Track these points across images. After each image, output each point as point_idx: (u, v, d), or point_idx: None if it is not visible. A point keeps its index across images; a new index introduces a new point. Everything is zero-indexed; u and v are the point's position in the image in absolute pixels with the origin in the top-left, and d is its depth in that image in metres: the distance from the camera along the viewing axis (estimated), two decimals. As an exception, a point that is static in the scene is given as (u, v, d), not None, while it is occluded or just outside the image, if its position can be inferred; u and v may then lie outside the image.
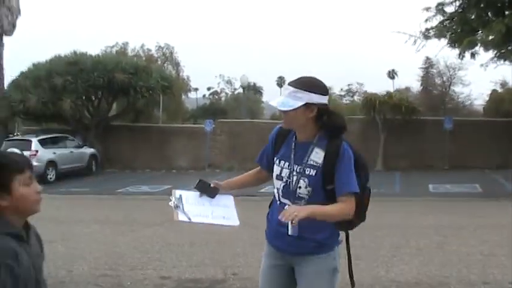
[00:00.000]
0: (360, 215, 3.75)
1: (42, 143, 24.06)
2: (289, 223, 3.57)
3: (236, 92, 77.66)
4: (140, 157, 28.14)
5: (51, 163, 23.84)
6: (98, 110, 28.37)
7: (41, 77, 26.23)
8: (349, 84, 75.57)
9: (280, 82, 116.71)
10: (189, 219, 3.77)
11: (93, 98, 28.25)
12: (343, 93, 74.51)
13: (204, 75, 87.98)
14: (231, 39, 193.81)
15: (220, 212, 3.91)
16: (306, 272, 3.78)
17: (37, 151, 23.45)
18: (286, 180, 3.70)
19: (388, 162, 25.54)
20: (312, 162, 3.63)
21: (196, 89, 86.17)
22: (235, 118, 38.92)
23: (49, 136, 25.23)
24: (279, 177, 3.74)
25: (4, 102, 27.75)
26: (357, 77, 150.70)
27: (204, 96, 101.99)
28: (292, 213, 3.34)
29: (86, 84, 25.92)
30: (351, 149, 3.68)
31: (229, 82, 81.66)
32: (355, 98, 66.42)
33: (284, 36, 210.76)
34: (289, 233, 3.58)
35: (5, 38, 30.42)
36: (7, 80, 29.75)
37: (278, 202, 3.80)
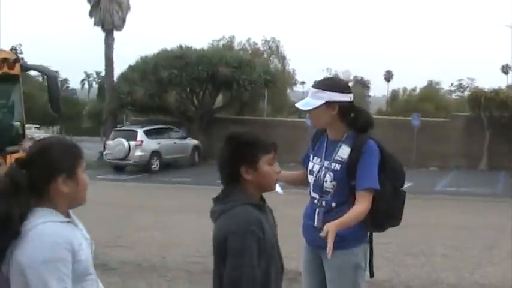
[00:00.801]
0: (391, 216, 3.82)
1: (148, 133, 24.89)
2: (316, 215, 3.83)
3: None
4: (242, 149, 28.41)
5: (155, 153, 24.62)
6: (202, 102, 28.97)
7: (148, 70, 27.17)
8: (459, 80, 73.35)
9: (388, 76, 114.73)
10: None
11: (198, 91, 28.86)
12: (453, 88, 72.49)
13: (311, 68, 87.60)
14: (340, 33, 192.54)
15: None
16: (328, 266, 3.88)
17: (142, 141, 24.28)
18: (316, 175, 3.86)
19: (493, 161, 24.50)
20: (338, 158, 3.76)
21: (303, 82, 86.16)
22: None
23: (154, 127, 26.08)
24: (311, 172, 3.91)
25: (113, 94, 28.99)
26: (469, 72, 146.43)
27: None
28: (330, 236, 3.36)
29: (191, 78, 26.57)
30: (379, 147, 3.74)
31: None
32: (465, 93, 64.45)
33: (391, 30, 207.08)
34: (315, 224, 3.82)
35: (115, 33, 31.78)
36: (116, 73, 31.04)
37: (310, 196, 3.97)
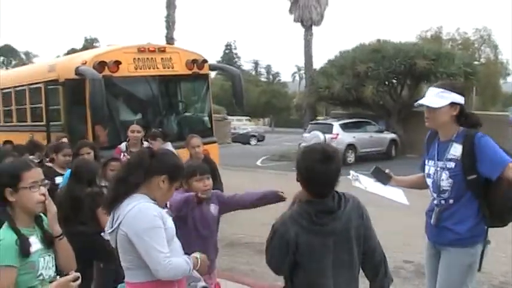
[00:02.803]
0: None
1: (343, 127, 25.31)
2: (434, 214, 4.00)
3: None
4: (441, 143, 27.72)
5: (350, 146, 24.95)
6: (400, 96, 28.76)
7: (345, 64, 27.65)
8: None
9: None
10: (365, 187, 4.30)
11: (395, 84, 28.70)
12: None
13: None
14: None
15: (391, 192, 4.37)
16: (442, 263, 4.06)
17: (337, 134, 24.76)
18: (433, 177, 4.06)
19: None
20: (451, 156, 3.92)
21: (508, 74, 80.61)
22: None
23: (350, 121, 26.46)
24: (428, 175, 4.12)
25: (312, 88, 29.87)
26: None
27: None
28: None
29: (388, 71, 26.50)
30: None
31: None
32: None
33: None
34: (432, 222, 4.06)
35: (314, 28, 32.61)
36: (317, 67, 31.90)
37: (431, 198, 4.18)
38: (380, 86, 27.31)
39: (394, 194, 4.38)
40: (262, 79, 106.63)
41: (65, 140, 8.03)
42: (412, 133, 28.17)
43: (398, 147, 27.65)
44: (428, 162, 4.15)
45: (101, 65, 10.10)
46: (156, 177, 3.37)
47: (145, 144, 8.47)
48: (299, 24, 32.40)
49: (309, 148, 3.24)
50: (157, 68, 11.11)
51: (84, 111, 9.98)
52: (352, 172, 4.44)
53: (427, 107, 3.96)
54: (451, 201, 3.99)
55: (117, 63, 10.27)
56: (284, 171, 22.06)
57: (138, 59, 10.84)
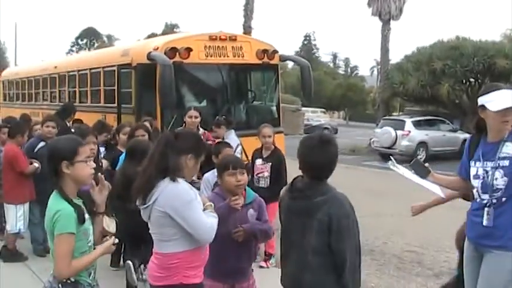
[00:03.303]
0: None
1: (416, 124, 24.91)
2: (485, 214, 3.88)
3: None
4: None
5: (422, 144, 24.52)
6: (477, 95, 27.98)
7: (422, 60, 27.17)
8: None
9: None
10: (402, 173, 4.48)
11: (473, 83, 28.00)
12: None
13: None
14: None
15: (427, 183, 4.44)
16: (486, 267, 4.03)
17: (409, 131, 24.41)
18: (483, 177, 4.03)
19: None
20: (504, 155, 3.94)
21: None
22: None
23: (423, 118, 25.99)
24: (476, 176, 4.11)
25: (387, 83, 29.54)
26: None
27: None
28: None
29: (465, 69, 25.88)
30: None
31: None
32: None
33: None
34: (484, 223, 3.98)
35: (392, 23, 32.22)
36: (394, 62, 31.51)
37: (478, 199, 4.13)
38: (456, 84, 26.65)
39: (430, 185, 4.43)
40: (340, 72, 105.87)
41: (146, 123, 8.27)
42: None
43: (472, 148, 27.05)
44: (475, 164, 4.14)
45: (172, 51, 10.34)
46: (183, 156, 3.78)
47: (201, 130, 8.67)
48: (377, 18, 32.12)
49: (308, 136, 3.82)
50: (228, 56, 11.27)
51: (154, 95, 10.26)
52: (392, 158, 4.61)
53: None
54: (504, 199, 3.98)
55: (188, 50, 10.48)
56: (353, 165, 22.04)
57: (209, 46, 11.02)
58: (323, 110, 61.02)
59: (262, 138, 7.93)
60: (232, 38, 11.42)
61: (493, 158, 4.01)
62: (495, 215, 3.97)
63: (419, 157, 24.19)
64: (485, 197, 4.06)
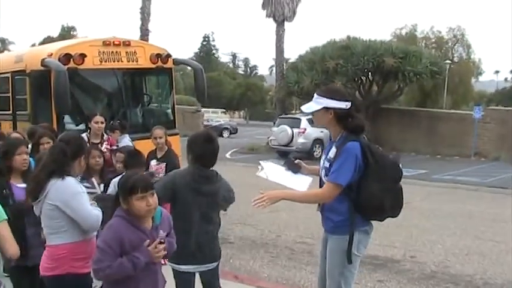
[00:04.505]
0: (381, 209, 4.39)
1: (311, 122, 25.66)
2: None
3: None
4: (408, 140, 28.34)
5: (317, 140, 25.43)
6: (369, 92, 29.30)
7: (315, 60, 28.10)
8: None
9: None
10: (267, 177, 4.77)
11: (364, 81, 29.24)
12: None
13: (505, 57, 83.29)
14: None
15: (295, 180, 4.78)
16: (328, 249, 4.58)
17: (305, 129, 25.29)
18: (320, 170, 4.56)
19: None
20: (329, 157, 4.42)
21: (497, 72, 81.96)
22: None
23: (317, 116, 26.88)
24: (322, 166, 4.57)
25: (282, 82, 30.38)
26: None
27: (505, 79, 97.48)
28: (265, 196, 4.27)
29: (356, 68, 27.00)
30: (364, 149, 4.28)
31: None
32: None
33: None
34: (316, 209, 4.60)
35: (287, 24, 33.08)
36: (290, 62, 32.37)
37: None
38: (349, 82, 27.72)
39: (297, 182, 4.75)
40: (240, 72, 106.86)
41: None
42: (379, 129, 28.78)
43: (366, 143, 28.21)
44: (323, 155, 4.63)
45: (66, 58, 10.41)
46: (76, 160, 4.52)
47: (105, 136, 8.89)
48: (271, 19, 32.82)
49: (197, 133, 4.99)
50: (122, 61, 11.42)
51: (50, 101, 10.29)
52: (261, 162, 4.95)
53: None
54: None
55: (83, 55, 10.57)
56: (251, 163, 22.52)
57: (103, 52, 11.14)
58: (223, 110, 61.66)
59: (154, 139, 8.24)
60: (126, 43, 11.58)
61: (326, 157, 4.48)
62: (325, 204, 4.51)
63: (315, 153, 25.20)
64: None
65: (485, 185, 18.23)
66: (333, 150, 4.41)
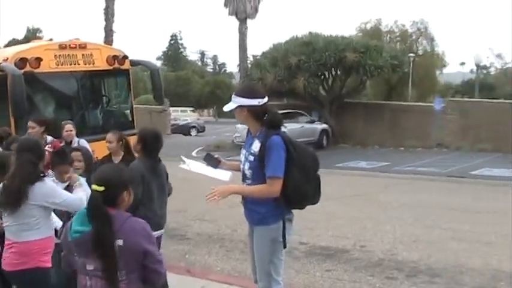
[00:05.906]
0: (305, 197, 4.76)
1: (275, 118, 26.04)
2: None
3: (506, 67, 73.50)
4: (372, 134, 28.78)
5: (280, 136, 25.62)
6: (332, 87, 29.69)
7: (277, 57, 28.35)
8: None
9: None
10: (189, 168, 5.18)
11: (326, 76, 29.62)
12: None
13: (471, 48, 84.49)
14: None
15: (216, 173, 5.15)
16: (254, 239, 4.92)
17: (269, 125, 25.46)
18: (243, 163, 4.86)
19: None
20: (252, 151, 4.72)
21: (463, 63, 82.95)
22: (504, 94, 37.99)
23: (282, 111, 26.74)
24: (240, 161, 4.91)
25: (246, 79, 30.66)
26: None
27: (471, 71, 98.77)
28: (216, 191, 4.53)
29: (318, 63, 27.29)
30: (285, 141, 4.59)
31: (499, 56, 77.00)
32: None
33: None
34: (241, 202, 4.87)
35: (249, 21, 33.42)
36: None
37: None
38: (312, 77, 28.01)
39: (218, 174, 5.11)
40: (209, 69, 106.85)
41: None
42: (344, 123, 29.28)
43: (330, 138, 28.63)
44: (242, 150, 4.94)
45: (22, 62, 10.54)
46: (41, 162, 4.95)
47: (49, 138, 8.89)
48: (234, 17, 33.11)
49: (148, 130, 6.30)
50: (79, 64, 11.58)
51: (7, 105, 10.42)
52: (182, 157, 5.34)
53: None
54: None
55: (38, 59, 10.71)
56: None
57: (60, 55, 11.29)
58: (192, 108, 61.70)
59: (106, 143, 7.99)
60: (82, 46, 11.74)
61: (248, 150, 4.80)
62: (248, 198, 4.85)
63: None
64: (243, 180, 4.93)
65: (444, 175, 18.68)
66: (256, 144, 4.69)
